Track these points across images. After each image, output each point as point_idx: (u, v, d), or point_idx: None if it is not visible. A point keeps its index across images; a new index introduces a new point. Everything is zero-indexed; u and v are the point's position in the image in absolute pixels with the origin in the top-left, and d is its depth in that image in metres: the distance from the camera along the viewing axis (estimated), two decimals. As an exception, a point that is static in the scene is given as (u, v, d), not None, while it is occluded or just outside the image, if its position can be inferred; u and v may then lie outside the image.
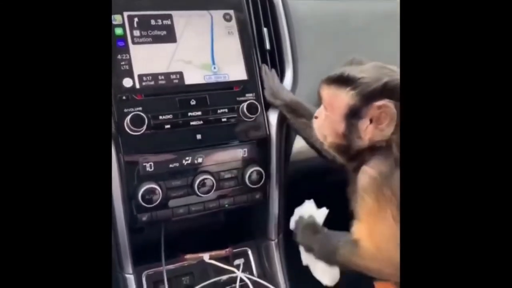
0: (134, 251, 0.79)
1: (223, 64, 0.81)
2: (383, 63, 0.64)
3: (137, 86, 0.74)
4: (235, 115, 0.80)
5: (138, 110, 0.73)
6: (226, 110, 0.79)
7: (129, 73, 0.74)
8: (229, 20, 0.83)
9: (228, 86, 0.81)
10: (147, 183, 0.74)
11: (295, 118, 0.80)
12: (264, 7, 0.90)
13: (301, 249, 0.76)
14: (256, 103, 0.80)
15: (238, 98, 0.80)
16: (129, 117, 0.71)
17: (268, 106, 0.83)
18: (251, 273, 0.89)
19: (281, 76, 0.88)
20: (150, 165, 0.74)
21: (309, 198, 0.79)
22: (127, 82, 0.74)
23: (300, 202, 0.86)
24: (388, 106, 0.58)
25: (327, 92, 0.63)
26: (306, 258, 0.76)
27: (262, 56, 0.87)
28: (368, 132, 0.60)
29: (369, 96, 0.59)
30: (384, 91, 0.59)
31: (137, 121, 0.72)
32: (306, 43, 0.91)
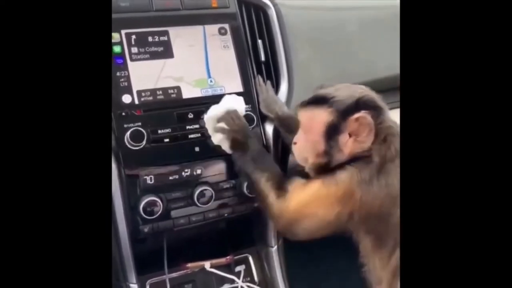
0: (137, 261, 0.81)
1: (219, 77, 0.83)
2: (350, 84, 0.68)
3: (136, 102, 0.76)
4: (232, 127, 0.81)
5: (138, 126, 0.75)
6: (223, 122, 0.81)
7: (128, 90, 0.76)
8: (224, 33, 0.86)
9: (224, 98, 0.83)
10: (148, 195, 0.76)
11: (285, 133, 0.83)
12: (259, 19, 0.92)
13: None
14: (252, 114, 0.82)
15: (234, 110, 0.82)
16: (129, 132, 0.74)
17: (264, 117, 0.85)
18: (252, 279, 0.91)
19: (277, 87, 0.90)
20: (151, 178, 0.76)
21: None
22: (126, 98, 0.76)
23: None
24: (365, 117, 0.61)
25: (304, 115, 0.67)
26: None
27: (258, 68, 0.89)
28: (349, 146, 0.63)
29: (345, 111, 0.63)
30: (358, 105, 0.63)
31: (136, 136, 0.74)
32: (301, 54, 0.92)
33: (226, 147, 0.76)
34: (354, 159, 0.63)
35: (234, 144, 0.74)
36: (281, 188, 0.69)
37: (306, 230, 0.67)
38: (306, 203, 0.65)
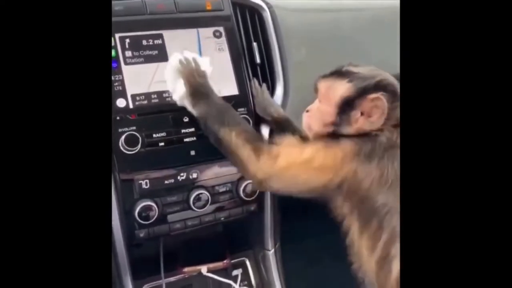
0: (133, 266, 0.81)
1: (214, 80, 0.82)
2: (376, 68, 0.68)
3: (131, 106, 0.76)
4: (228, 130, 0.81)
5: (132, 130, 0.75)
6: (219, 125, 0.81)
7: (122, 94, 0.76)
8: (219, 36, 0.85)
9: (220, 101, 0.82)
10: (143, 200, 0.76)
11: (281, 135, 0.82)
12: (254, 21, 0.92)
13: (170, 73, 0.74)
14: (248, 117, 0.82)
15: (230, 113, 0.82)
16: (123, 136, 0.73)
17: (260, 119, 0.85)
18: (249, 283, 0.91)
19: (272, 89, 0.89)
20: (146, 182, 0.76)
21: (303, 208, 0.81)
22: (120, 103, 0.75)
23: (294, 212, 0.88)
24: (381, 99, 0.62)
25: (324, 84, 0.67)
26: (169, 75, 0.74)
27: (253, 70, 0.89)
28: (359, 122, 0.63)
29: (364, 89, 0.63)
30: (377, 86, 0.63)
31: (131, 141, 0.74)
32: (297, 56, 0.92)
33: (187, 103, 0.73)
34: (358, 136, 0.63)
35: (195, 96, 0.72)
36: (257, 141, 0.68)
37: (285, 190, 0.67)
38: (299, 162, 0.64)
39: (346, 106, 0.64)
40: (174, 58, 0.74)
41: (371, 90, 0.62)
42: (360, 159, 0.61)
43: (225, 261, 0.88)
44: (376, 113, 0.62)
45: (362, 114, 0.63)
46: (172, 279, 0.86)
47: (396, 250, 0.59)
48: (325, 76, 0.67)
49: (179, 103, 0.75)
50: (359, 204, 0.63)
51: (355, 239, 0.66)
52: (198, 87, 0.72)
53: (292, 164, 0.65)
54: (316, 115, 0.67)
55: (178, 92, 0.73)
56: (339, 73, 0.66)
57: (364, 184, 0.61)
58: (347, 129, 0.64)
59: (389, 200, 0.60)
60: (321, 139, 0.66)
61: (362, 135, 0.63)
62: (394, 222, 0.59)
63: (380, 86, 0.63)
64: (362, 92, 0.63)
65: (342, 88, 0.64)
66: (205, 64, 0.75)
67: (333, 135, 0.65)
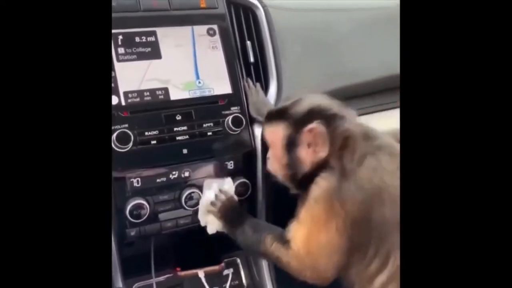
0: (124, 265, 0.80)
1: (208, 78, 0.82)
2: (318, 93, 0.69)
3: (123, 103, 0.75)
4: (221, 129, 0.81)
5: (124, 127, 0.74)
6: (212, 124, 0.80)
7: (115, 91, 0.75)
8: (213, 34, 0.85)
9: (213, 100, 0.82)
10: (135, 198, 0.75)
11: None
12: (248, 20, 0.91)
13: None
14: (241, 116, 0.82)
15: (223, 112, 0.82)
16: (115, 134, 0.72)
17: (253, 118, 0.84)
18: (240, 282, 0.91)
19: (266, 88, 0.89)
20: (138, 180, 0.75)
21: (295, 208, 0.80)
22: (112, 100, 0.75)
23: (286, 212, 0.87)
24: (316, 128, 0.62)
25: (267, 130, 0.69)
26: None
27: (247, 69, 0.88)
28: (308, 156, 0.64)
29: (298, 123, 0.64)
30: (310, 116, 0.63)
31: (123, 138, 0.73)
32: (291, 55, 0.92)
33: (222, 229, 0.76)
34: (319, 169, 0.63)
35: (232, 226, 0.74)
36: (286, 242, 0.67)
37: (330, 264, 0.64)
38: (308, 237, 0.64)
39: (291, 145, 0.64)
40: (206, 199, 0.75)
41: (306, 121, 0.63)
42: (335, 195, 0.60)
43: (220, 265, 0.88)
44: (319, 142, 0.62)
45: (309, 146, 0.63)
46: (162, 278, 0.85)
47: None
48: (265, 121, 0.68)
49: (211, 232, 0.77)
50: (357, 235, 0.62)
51: (347, 265, 0.65)
52: (232, 219, 0.74)
53: (307, 243, 0.64)
54: (273, 162, 0.68)
55: (212, 225, 0.76)
56: (274, 115, 0.67)
57: (354, 213, 0.60)
58: (302, 168, 0.65)
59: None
60: (297, 187, 0.67)
61: (322, 170, 0.63)
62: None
63: (313, 115, 0.63)
64: (298, 127, 0.63)
65: (281, 130, 0.65)
66: (228, 184, 0.78)
67: (296, 176, 0.66)
